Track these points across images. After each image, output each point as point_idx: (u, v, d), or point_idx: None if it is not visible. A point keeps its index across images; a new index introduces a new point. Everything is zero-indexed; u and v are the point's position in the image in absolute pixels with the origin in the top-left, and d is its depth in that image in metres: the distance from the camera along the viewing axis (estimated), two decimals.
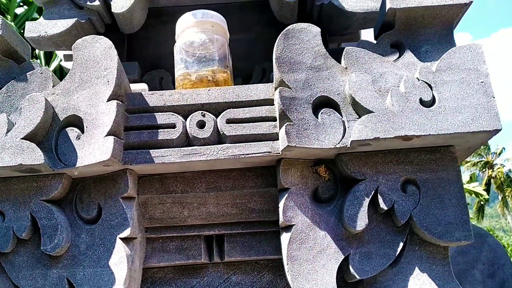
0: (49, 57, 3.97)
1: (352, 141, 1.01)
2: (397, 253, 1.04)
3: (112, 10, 1.43)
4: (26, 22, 1.42)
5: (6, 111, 1.08)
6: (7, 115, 1.07)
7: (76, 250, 1.06)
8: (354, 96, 1.04)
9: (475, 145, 1.09)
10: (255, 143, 1.07)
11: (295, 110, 1.04)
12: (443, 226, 1.03)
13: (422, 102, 1.03)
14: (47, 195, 1.06)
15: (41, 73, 1.11)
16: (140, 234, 1.12)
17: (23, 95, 1.08)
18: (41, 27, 1.41)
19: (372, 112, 1.02)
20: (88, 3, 1.44)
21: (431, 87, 1.04)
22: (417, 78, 1.05)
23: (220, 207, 1.14)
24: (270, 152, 1.06)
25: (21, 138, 1.02)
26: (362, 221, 1.03)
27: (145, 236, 1.15)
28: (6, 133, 1.03)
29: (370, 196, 1.04)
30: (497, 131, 1.01)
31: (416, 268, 1.05)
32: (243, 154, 1.06)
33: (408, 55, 1.11)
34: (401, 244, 1.05)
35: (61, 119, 1.07)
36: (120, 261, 1.03)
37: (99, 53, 1.09)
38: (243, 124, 1.09)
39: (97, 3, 1.44)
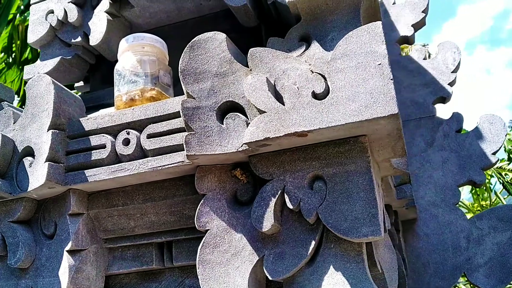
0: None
1: (244, 143, 1.02)
2: (309, 252, 1.01)
3: (90, 44, 1.59)
4: (25, 66, 1.64)
5: None
6: None
7: (39, 262, 1.22)
8: (249, 98, 1.04)
9: (391, 131, 1.02)
10: (171, 154, 1.13)
11: (198, 119, 1.08)
12: (349, 222, 0.98)
13: (315, 95, 1.00)
14: (13, 217, 1.24)
15: (5, 113, 1.30)
16: (95, 245, 1.24)
17: None
18: (35, 69, 1.63)
19: (265, 112, 1.02)
20: (73, 40, 1.63)
21: (325, 78, 1.00)
22: (311, 70, 1.02)
23: (159, 216, 1.22)
24: (183, 161, 1.11)
25: None
26: (268, 222, 1.02)
27: (105, 246, 1.28)
28: None
29: (277, 196, 1.04)
30: (393, 116, 0.93)
31: (331, 267, 1.01)
32: (160, 166, 1.13)
33: (314, 47, 1.08)
34: (313, 243, 1.02)
35: (20, 151, 1.24)
36: (64, 271, 1.16)
37: (43, 90, 1.25)
38: (161, 137, 1.15)
39: (79, 39, 1.61)
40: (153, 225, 1.23)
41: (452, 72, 2.19)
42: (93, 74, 1.77)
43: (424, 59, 2.26)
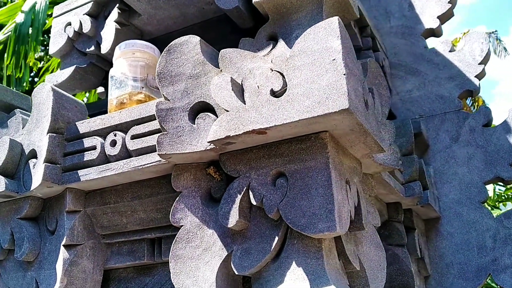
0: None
1: (208, 141, 1.05)
2: (273, 247, 1.03)
3: (101, 52, 1.69)
4: (46, 76, 1.78)
5: None
6: None
7: (42, 256, 1.33)
8: (215, 98, 1.07)
9: (352, 126, 1.00)
10: (151, 154, 1.19)
11: (171, 120, 1.13)
12: (307, 218, 0.98)
13: (273, 93, 1.01)
14: (20, 214, 1.36)
15: (15, 119, 1.42)
16: (93, 240, 1.33)
17: None
18: (54, 78, 1.76)
19: (228, 111, 1.05)
20: (87, 49, 1.74)
21: (283, 76, 1.01)
22: (271, 68, 1.03)
23: (147, 213, 1.28)
24: (161, 161, 1.16)
25: None
26: (233, 218, 1.05)
27: (103, 241, 1.36)
28: None
29: (242, 193, 1.06)
30: (344, 111, 0.92)
31: (294, 262, 1.02)
32: (141, 165, 1.19)
33: (280, 45, 1.09)
34: (277, 238, 1.03)
35: (27, 153, 1.36)
36: (59, 263, 1.25)
37: (44, 97, 1.35)
38: (143, 138, 1.21)
39: (92, 48, 1.72)
40: (143, 222, 1.29)
41: (479, 64, 2.08)
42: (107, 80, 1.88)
43: (451, 51, 2.16)
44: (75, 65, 1.73)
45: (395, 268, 1.58)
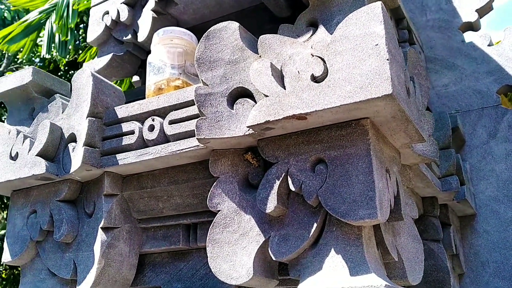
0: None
1: (248, 126, 1.05)
2: (311, 234, 1.02)
3: (138, 40, 1.71)
4: (84, 63, 1.81)
5: (34, 137, 1.45)
6: (34, 139, 1.44)
7: (80, 238, 1.35)
8: (254, 83, 1.07)
9: (394, 113, 0.99)
10: (189, 139, 1.19)
11: (209, 105, 1.13)
12: (347, 205, 0.97)
13: (314, 78, 1.00)
14: (60, 196, 1.38)
15: (55, 104, 1.45)
16: (129, 224, 1.35)
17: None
18: (92, 65, 1.79)
19: (268, 96, 1.04)
20: (124, 38, 1.76)
21: (324, 61, 1.00)
22: (311, 54, 1.02)
23: (184, 198, 1.29)
24: (199, 146, 1.17)
25: (35, 155, 1.37)
26: (271, 204, 1.05)
27: (140, 226, 1.38)
28: (28, 152, 1.39)
29: (281, 178, 1.05)
30: (387, 96, 0.91)
31: (332, 250, 1.01)
32: (179, 150, 1.20)
33: (320, 31, 1.08)
34: (315, 225, 1.02)
35: (66, 137, 1.39)
36: (98, 245, 1.27)
37: (84, 82, 1.37)
38: (181, 123, 1.22)
39: (129, 36, 1.74)
40: (179, 207, 1.30)
41: None
42: (145, 68, 1.90)
43: (489, 45, 2.11)
44: (112, 53, 1.75)
45: (430, 263, 1.55)
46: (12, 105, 1.58)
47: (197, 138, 1.11)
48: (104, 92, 1.38)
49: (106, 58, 1.76)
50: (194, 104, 1.22)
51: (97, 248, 1.27)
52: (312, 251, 1.03)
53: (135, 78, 2.05)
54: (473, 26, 2.19)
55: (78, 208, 1.40)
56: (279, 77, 1.06)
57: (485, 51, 2.10)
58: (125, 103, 1.43)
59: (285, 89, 1.03)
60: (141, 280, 1.38)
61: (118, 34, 1.78)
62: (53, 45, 4.04)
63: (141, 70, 1.90)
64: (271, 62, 1.07)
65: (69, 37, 3.91)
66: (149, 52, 1.82)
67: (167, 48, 1.35)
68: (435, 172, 1.56)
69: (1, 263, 1.46)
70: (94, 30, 1.82)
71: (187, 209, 1.30)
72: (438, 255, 1.54)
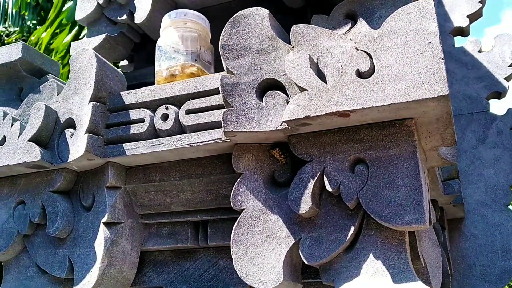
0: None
1: (284, 121, 0.98)
2: (348, 237, 0.97)
3: (135, 22, 1.59)
4: (72, 43, 1.67)
5: (25, 119, 1.31)
6: (25, 122, 1.30)
7: (76, 233, 1.24)
8: (290, 75, 1.01)
9: (440, 115, 0.95)
10: (209, 131, 1.11)
11: (237, 96, 1.05)
12: (392, 208, 0.93)
13: (359, 73, 0.95)
14: (53, 187, 1.26)
15: (49, 85, 1.32)
16: (131, 219, 1.24)
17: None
18: (81, 45, 1.65)
19: (306, 90, 0.98)
20: (119, 18, 1.63)
21: (371, 56, 0.95)
22: (356, 48, 0.97)
23: (196, 194, 1.20)
24: (221, 139, 1.09)
25: (27, 140, 1.23)
26: (306, 204, 0.99)
27: (141, 222, 1.28)
28: (18, 137, 1.25)
29: (316, 178, 1.00)
30: (442, 97, 0.87)
31: (371, 255, 0.96)
32: (198, 142, 1.11)
33: (360, 24, 1.02)
34: (353, 228, 0.97)
35: (62, 122, 1.26)
36: (100, 242, 1.17)
37: (85, 63, 1.25)
38: (200, 113, 1.13)
39: (124, 17, 1.62)
40: (189, 203, 1.22)
41: (509, 66, 2.06)
42: (138, 53, 1.78)
43: (479, 51, 2.14)
44: (105, 34, 1.62)
45: None
46: None
47: (224, 131, 1.03)
48: (108, 75, 1.27)
49: (98, 39, 1.63)
50: (214, 94, 1.14)
51: (99, 245, 1.17)
52: (347, 256, 0.98)
53: (122, 62, 1.92)
54: (463, 32, 2.21)
55: (72, 200, 1.28)
56: (316, 70, 1.00)
57: (475, 57, 2.13)
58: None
59: (326, 83, 0.97)
60: (141, 279, 1.29)
61: (111, 13, 1.65)
62: (5, 17, 3.78)
63: (133, 53, 1.78)
64: (309, 54, 1.01)
65: (27, 12, 3.66)
66: (144, 35, 1.71)
67: (180, 32, 1.25)
68: (439, 175, 1.55)
69: None
70: (84, 8, 1.68)
71: (199, 205, 1.21)
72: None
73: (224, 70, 1.19)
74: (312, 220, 1.01)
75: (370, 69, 0.94)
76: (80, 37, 3.45)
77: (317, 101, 0.96)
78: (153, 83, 1.56)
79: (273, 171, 1.08)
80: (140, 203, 1.26)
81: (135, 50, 1.77)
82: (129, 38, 1.68)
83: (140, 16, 1.58)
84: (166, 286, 1.26)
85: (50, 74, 1.37)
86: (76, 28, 3.40)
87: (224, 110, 1.04)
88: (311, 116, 0.95)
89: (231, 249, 1.04)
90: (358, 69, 0.95)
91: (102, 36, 1.62)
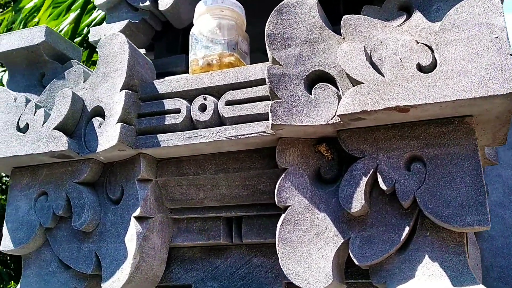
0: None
1: (338, 115, 0.94)
2: (402, 238, 0.93)
3: (159, 8, 1.53)
4: (91, 28, 1.60)
5: (48, 106, 1.25)
6: (49, 109, 1.23)
7: (103, 227, 1.18)
8: (344, 68, 0.96)
9: (502, 113, 0.92)
10: (252, 123, 1.06)
11: (285, 87, 1.01)
12: (452, 209, 0.89)
13: (420, 67, 0.91)
14: (79, 178, 1.20)
15: (75, 71, 1.25)
16: (162, 214, 1.19)
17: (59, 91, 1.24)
18: (101, 31, 1.58)
19: (362, 83, 0.94)
20: (141, 4, 1.57)
21: (432, 50, 0.91)
22: (416, 41, 0.93)
23: (231, 189, 1.15)
24: (265, 132, 1.04)
25: (53, 128, 1.17)
26: (358, 203, 0.95)
27: (171, 216, 1.22)
28: (43, 125, 1.19)
29: (369, 175, 0.95)
30: (511, 95, 0.84)
31: (426, 256, 0.92)
32: (239, 135, 1.06)
33: (416, 17, 0.98)
34: (407, 229, 0.93)
35: (89, 110, 1.20)
36: (132, 237, 1.11)
37: (116, 48, 1.19)
38: (241, 105, 1.08)
39: (147, 3, 1.55)
40: (224, 198, 1.17)
41: None
42: (158, 41, 1.72)
43: None
44: (127, 20, 1.55)
45: None
46: (14, 68, 1.35)
47: (272, 124, 0.99)
48: (139, 62, 1.21)
49: (120, 25, 1.56)
50: (257, 85, 1.09)
51: (130, 240, 1.11)
52: (400, 257, 0.94)
53: (141, 51, 1.85)
54: None
55: (98, 192, 1.22)
56: (370, 63, 0.96)
57: None
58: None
59: (383, 76, 0.93)
60: (167, 276, 1.23)
61: None
62: None
63: (153, 42, 1.72)
64: (364, 46, 0.96)
65: None
66: (165, 24, 1.65)
67: (217, 19, 1.19)
68: None
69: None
70: None
71: (234, 201, 1.16)
72: None
73: (257, 62, 1.15)
74: (362, 219, 0.97)
75: (431, 63, 0.90)
76: (81, 23, 3.33)
77: (375, 95, 0.91)
78: (176, 73, 1.51)
79: (318, 167, 1.04)
80: (170, 197, 1.21)
81: (155, 39, 1.70)
82: (150, 25, 1.62)
83: (165, 2, 1.52)
84: (195, 283, 1.21)
85: (74, 60, 1.30)
86: (78, 11, 3.28)
87: (272, 102, 1.00)
88: (368, 110, 0.91)
89: (277, 248, 1.00)
90: (418, 62, 0.91)
91: (124, 23, 1.55)
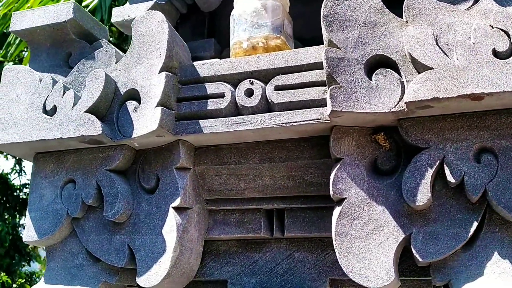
0: None
1: (406, 102, 0.88)
2: (470, 234, 0.88)
3: None
4: (113, 9, 1.52)
5: (77, 88, 1.16)
6: (78, 91, 1.15)
7: (136, 218, 1.10)
8: (411, 52, 0.90)
9: None
10: (304, 110, 1.00)
11: (344, 72, 0.94)
12: None
13: (495, 53, 0.85)
14: (111, 165, 1.12)
15: (106, 51, 1.17)
16: (199, 205, 1.12)
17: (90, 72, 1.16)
18: (125, 12, 1.50)
19: (432, 68, 0.88)
20: None
21: (509, 35, 0.86)
22: (490, 25, 0.87)
23: (275, 180, 1.09)
24: (319, 119, 0.98)
25: (84, 111, 1.09)
26: (423, 196, 0.89)
27: (206, 208, 1.15)
28: (73, 107, 1.11)
29: (435, 167, 0.90)
30: None
31: (496, 253, 0.87)
32: (290, 122, 1.00)
33: (486, 1, 0.93)
34: (475, 224, 0.88)
35: (122, 93, 1.12)
36: (171, 229, 1.04)
37: (154, 28, 1.12)
38: (292, 90, 1.02)
39: None
40: (266, 189, 1.10)
41: None
42: (183, 25, 1.64)
43: None
44: (154, 0, 1.47)
45: None
46: (37, 47, 1.26)
47: (331, 110, 0.92)
48: (178, 43, 1.14)
49: (146, 6, 1.48)
50: (309, 69, 1.03)
51: (169, 232, 1.04)
52: (466, 254, 0.89)
53: None
54: None
55: (130, 181, 1.15)
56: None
57: None
58: None
59: (455, 63, 0.87)
60: (201, 271, 1.17)
61: None
62: None
63: (177, 25, 1.64)
64: (432, 29, 0.91)
65: None
66: (191, 6, 1.57)
67: (262, 1, 1.12)
68: None
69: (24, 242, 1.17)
70: None
71: (277, 192, 1.10)
72: None
73: (300, 47, 1.09)
74: (424, 213, 0.92)
75: (508, 49, 0.85)
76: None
77: (447, 81, 0.86)
78: (202, 58, 1.44)
79: (375, 158, 0.98)
80: (208, 187, 1.14)
81: (178, 22, 1.62)
82: (176, 7, 1.54)
83: None
84: (230, 279, 1.15)
85: (104, 40, 1.22)
86: None
87: (331, 87, 0.93)
88: (440, 98, 0.86)
89: (334, 242, 0.94)
90: (494, 48, 0.85)
91: (150, 3, 1.48)
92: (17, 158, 8.98)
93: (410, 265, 1.02)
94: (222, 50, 1.59)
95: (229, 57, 1.52)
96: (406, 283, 1.06)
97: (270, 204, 1.11)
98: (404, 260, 0.99)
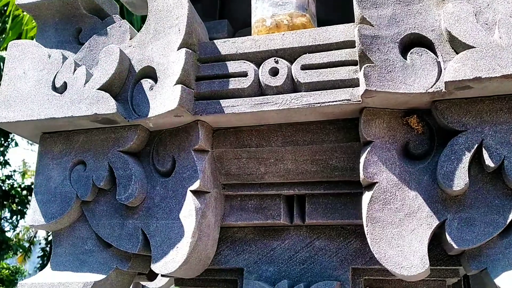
0: None
1: (446, 82, 0.84)
2: (509, 220, 0.85)
3: None
4: None
5: (88, 64, 1.10)
6: (89, 68, 1.09)
7: (151, 202, 1.05)
8: (450, 30, 0.86)
9: None
10: (333, 90, 0.95)
11: (378, 50, 0.90)
12: None
13: None
14: (124, 146, 1.06)
15: (119, 27, 1.11)
16: (216, 189, 1.07)
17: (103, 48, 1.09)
18: None
19: (473, 47, 0.84)
20: None
21: None
22: None
23: (298, 164, 1.04)
24: (350, 100, 0.93)
25: (97, 89, 1.03)
26: (461, 180, 0.85)
27: (223, 193, 1.10)
28: (85, 84, 1.05)
29: (473, 151, 0.86)
30: None
31: None
32: (318, 103, 0.95)
33: None
34: None
35: (137, 71, 1.06)
36: (189, 214, 0.99)
37: (172, 2, 1.06)
38: (320, 70, 0.97)
39: None
40: (288, 174, 1.06)
41: None
42: (194, 5, 1.57)
43: None
44: None
45: None
46: (45, 22, 1.19)
47: (365, 89, 0.88)
48: (196, 20, 1.08)
49: None
50: (338, 48, 0.98)
51: (188, 217, 0.99)
52: (503, 241, 0.86)
53: None
54: None
55: (144, 163, 1.09)
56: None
57: None
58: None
59: (497, 42, 0.83)
60: (215, 259, 1.12)
61: None
62: None
63: None
64: (475, 9, 0.87)
65: None
66: None
67: None
68: None
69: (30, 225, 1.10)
70: None
71: (299, 177, 1.05)
72: None
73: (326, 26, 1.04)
74: (459, 199, 0.88)
75: None
76: None
77: (490, 60, 0.82)
78: (216, 39, 1.38)
79: (407, 141, 0.94)
80: (226, 170, 1.09)
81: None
82: None
83: None
84: (247, 267, 1.10)
85: (116, 15, 1.16)
86: None
87: (364, 65, 0.89)
88: (482, 77, 0.82)
89: (365, 228, 0.89)
90: None
91: None
92: (0, 149, 8.81)
93: (438, 254, 0.99)
94: (235, 33, 1.53)
95: None
96: (433, 273, 1.02)
97: (291, 189, 1.07)
98: (430, 248, 0.96)
